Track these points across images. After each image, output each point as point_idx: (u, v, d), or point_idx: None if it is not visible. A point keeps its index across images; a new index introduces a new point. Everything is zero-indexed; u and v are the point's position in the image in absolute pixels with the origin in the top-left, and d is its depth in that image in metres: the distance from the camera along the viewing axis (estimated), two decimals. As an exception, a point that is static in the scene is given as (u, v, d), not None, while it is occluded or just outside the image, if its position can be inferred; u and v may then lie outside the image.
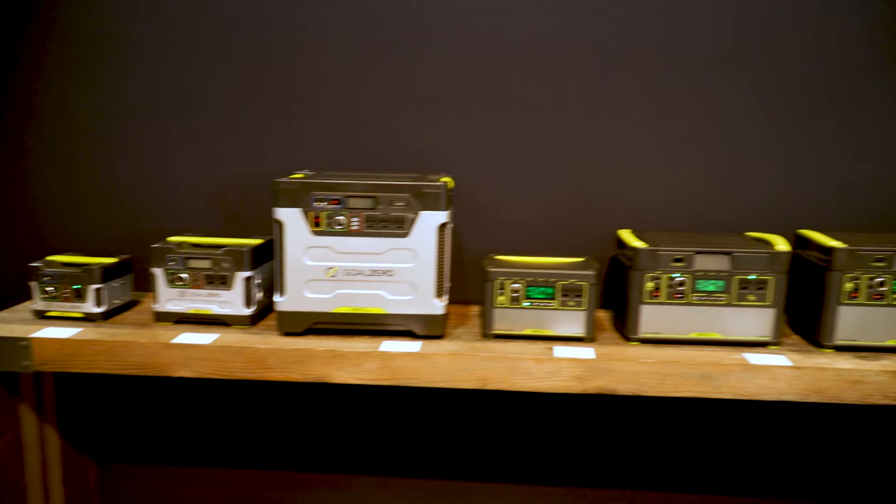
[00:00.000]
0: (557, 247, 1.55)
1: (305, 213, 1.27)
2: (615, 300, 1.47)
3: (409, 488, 1.72)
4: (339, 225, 1.28)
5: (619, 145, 1.53)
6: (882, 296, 1.28)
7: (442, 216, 1.28)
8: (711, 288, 1.30)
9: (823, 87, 1.48)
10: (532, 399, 1.62)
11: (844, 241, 1.30)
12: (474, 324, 1.44)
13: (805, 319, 1.37)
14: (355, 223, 1.28)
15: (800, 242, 1.42)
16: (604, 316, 1.52)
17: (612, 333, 1.40)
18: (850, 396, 1.24)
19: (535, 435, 1.67)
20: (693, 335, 1.32)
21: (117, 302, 1.44)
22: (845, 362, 1.25)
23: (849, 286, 1.28)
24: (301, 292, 1.30)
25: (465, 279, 1.58)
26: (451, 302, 1.59)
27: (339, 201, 1.27)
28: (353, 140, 1.56)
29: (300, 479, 1.74)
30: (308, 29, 1.52)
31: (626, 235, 1.39)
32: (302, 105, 1.55)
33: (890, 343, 1.29)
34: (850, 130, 1.49)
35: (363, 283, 1.30)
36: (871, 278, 1.27)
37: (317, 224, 1.28)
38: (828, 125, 1.50)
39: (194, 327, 1.37)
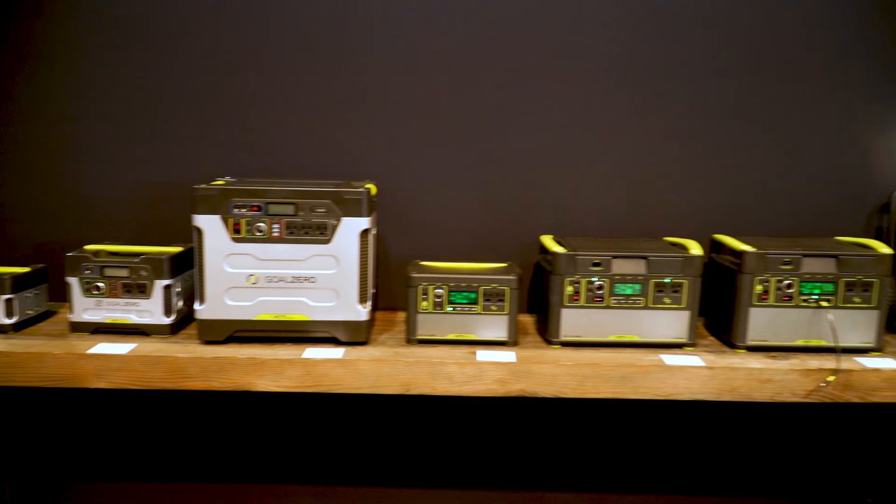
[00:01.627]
0: (484, 252, 1.57)
1: (225, 219, 1.26)
2: (539, 304, 1.49)
3: (341, 496, 1.71)
4: (260, 232, 1.27)
5: (541, 153, 1.56)
6: (790, 297, 1.33)
7: (364, 222, 1.28)
8: (629, 291, 1.33)
9: (736, 97, 1.54)
10: (460, 402, 1.63)
11: (754, 245, 1.35)
12: (400, 330, 1.44)
13: (720, 321, 1.42)
14: (276, 230, 1.27)
15: (715, 247, 1.47)
16: (528, 320, 1.54)
17: (535, 337, 1.42)
18: (761, 395, 1.28)
19: (462, 438, 1.68)
20: (612, 338, 1.35)
21: (30, 313, 1.40)
22: (756, 362, 1.30)
23: (759, 288, 1.33)
24: (221, 300, 1.29)
25: (393, 285, 1.58)
26: (379, 308, 1.59)
27: (259, 208, 1.26)
28: (278, 148, 1.55)
29: (227, 490, 1.71)
30: (232, 34, 1.51)
31: (548, 241, 1.41)
32: (227, 112, 1.54)
33: (798, 343, 1.34)
34: (762, 138, 1.55)
35: (285, 289, 1.30)
36: (780, 281, 1.32)
37: (237, 231, 1.27)
38: (742, 133, 1.55)
39: (112, 337, 1.33)
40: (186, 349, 1.29)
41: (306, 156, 1.55)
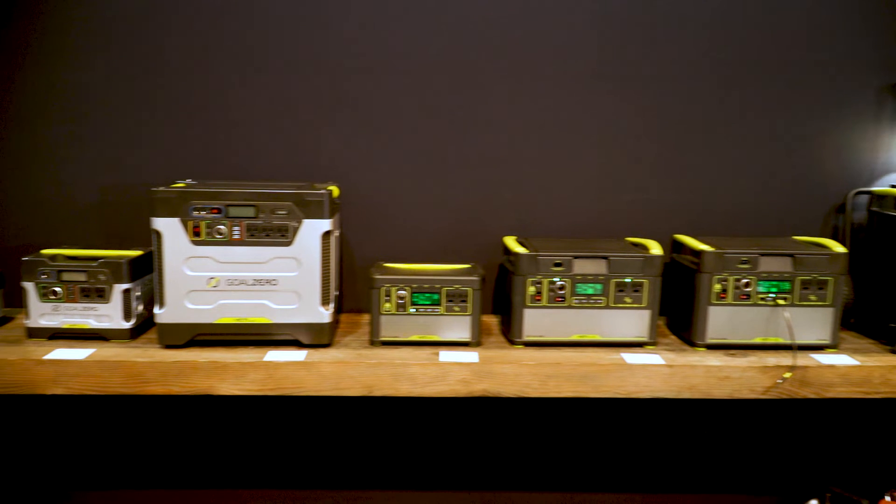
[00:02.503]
0: (450, 254, 1.57)
1: (184, 222, 1.25)
2: (503, 305, 1.50)
3: (301, 500, 1.70)
4: (220, 234, 1.26)
5: (505, 155, 1.56)
6: (748, 296, 1.35)
7: (325, 224, 1.28)
8: (590, 291, 1.34)
9: (697, 100, 1.56)
10: (425, 403, 1.63)
11: (713, 245, 1.37)
12: (364, 332, 1.44)
13: (681, 320, 1.43)
14: (237, 232, 1.26)
15: (676, 247, 1.48)
16: (493, 321, 1.55)
17: (499, 338, 1.43)
18: (720, 392, 1.30)
19: (427, 439, 1.67)
20: (574, 337, 1.36)
21: (-14, 318, 1.38)
22: (715, 360, 1.31)
23: (717, 287, 1.34)
24: (182, 303, 1.28)
25: (358, 287, 1.58)
26: (345, 310, 1.59)
27: (219, 210, 1.26)
28: (242, 150, 1.54)
29: (188, 497, 1.69)
30: (192, 36, 1.50)
31: (511, 242, 1.42)
32: (188, 114, 1.52)
33: (757, 341, 1.36)
34: (723, 140, 1.58)
35: (246, 292, 1.29)
36: (738, 280, 1.34)
37: (196, 234, 1.25)
38: (704, 135, 1.57)
39: (70, 343, 1.31)
40: (146, 354, 1.27)
41: (270, 158, 1.55)
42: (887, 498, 1.48)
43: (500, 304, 1.58)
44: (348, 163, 1.55)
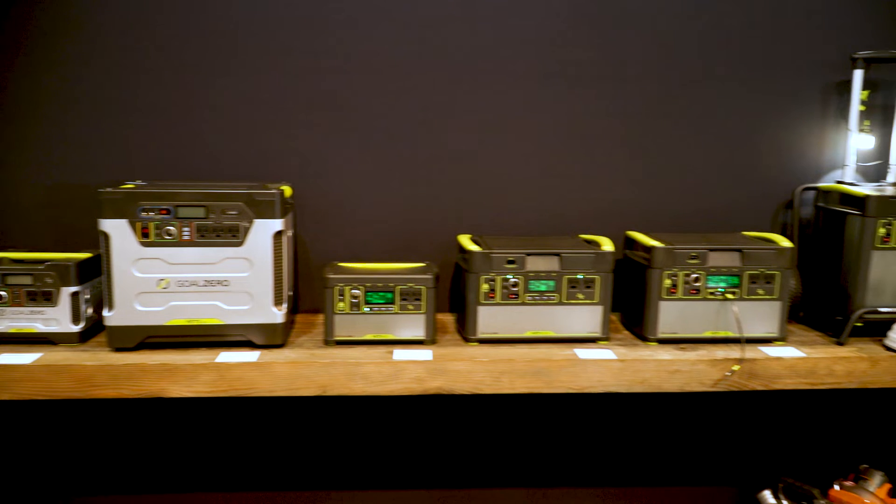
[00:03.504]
0: (407, 253, 1.57)
1: (133, 224, 1.23)
2: (459, 303, 1.50)
3: (255, 501, 1.69)
4: (170, 235, 1.25)
5: (461, 154, 1.57)
6: (698, 290, 1.37)
7: (277, 224, 1.27)
8: (543, 288, 1.35)
9: (649, 99, 1.58)
10: (382, 402, 1.63)
11: (663, 241, 1.39)
12: (319, 332, 1.44)
13: (633, 315, 1.45)
14: (186, 233, 1.25)
15: (628, 243, 1.50)
16: (450, 319, 1.55)
17: (454, 336, 1.44)
18: (671, 385, 1.32)
19: (383, 438, 1.67)
20: (528, 333, 1.37)
21: (-70, 323, 1.34)
22: (666, 354, 1.33)
23: (667, 282, 1.37)
24: (131, 306, 1.26)
25: (315, 288, 1.57)
26: (301, 311, 1.58)
27: (167, 211, 1.24)
28: (194, 151, 1.52)
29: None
30: (144, 36, 1.48)
31: (465, 240, 1.43)
32: (140, 114, 1.50)
33: (707, 334, 1.39)
34: (675, 139, 1.60)
35: (197, 293, 1.28)
36: (687, 275, 1.37)
37: (145, 235, 1.24)
38: (656, 134, 1.59)
39: (16, 347, 1.29)
40: (95, 357, 1.25)
41: (223, 159, 1.53)
42: (836, 486, 1.52)
43: (456, 302, 1.59)
44: (304, 163, 1.54)
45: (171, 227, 1.25)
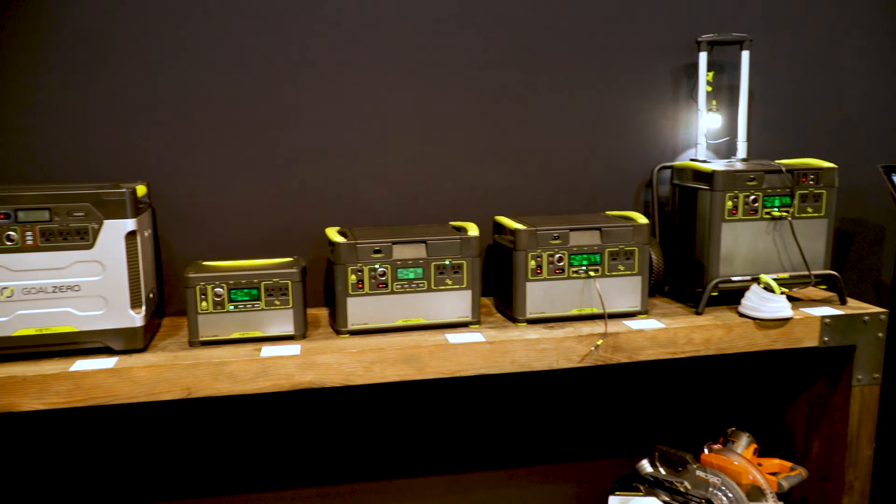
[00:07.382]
0: (279, 249, 1.54)
1: (-32, 230, 1.16)
2: (332, 297, 1.49)
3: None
4: (11, 241, 1.18)
5: (326, 148, 1.55)
6: (562, 270, 1.41)
7: (129, 224, 1.22)
8: (411, 276, 1.36)
9: (512, 85, 1.61)
10: (259, 400, 1.60)
11: (526, 223, 1.42)
12: (185, 334, 1.39)
13: (504, 298, 1.48)
14: (30, 238, 1.19)
15: (497, 228, 1.53)
16: (323, 313, 1.54)
17: (327, 329, 1.42)
18: (540, 364, 1.35)
19: (263, 438, 1.64)
20: (400, 322, 1.37)
21: None
22: (534, 333, 1.36)
23: (532, 264, 1.40)
24: (-28, 318, 1.19)
25: (181, 289, 1.52)
26: (169, 314, 1.53)
27: (6, 215, 1.17)
28: (41, 151, 1.44)
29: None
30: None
31: (331, 232, 1.41)
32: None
33: (573, 312, 1.43)
34: (538, 124, 1.64)
35: (46, 301, 1.21)
36: (551, 255, 1.40)
37: (-17, 242, 1.17)
38: (520, 119, 1.63)
39: None
40: (-65, 374, 1.18)
41: (75, 160, 1.46)
42: (706, 450, 1.59)
43: (330, 296, 1.57)
44: (163, 161, 1.49)
45: (12, 233, 1.18)
